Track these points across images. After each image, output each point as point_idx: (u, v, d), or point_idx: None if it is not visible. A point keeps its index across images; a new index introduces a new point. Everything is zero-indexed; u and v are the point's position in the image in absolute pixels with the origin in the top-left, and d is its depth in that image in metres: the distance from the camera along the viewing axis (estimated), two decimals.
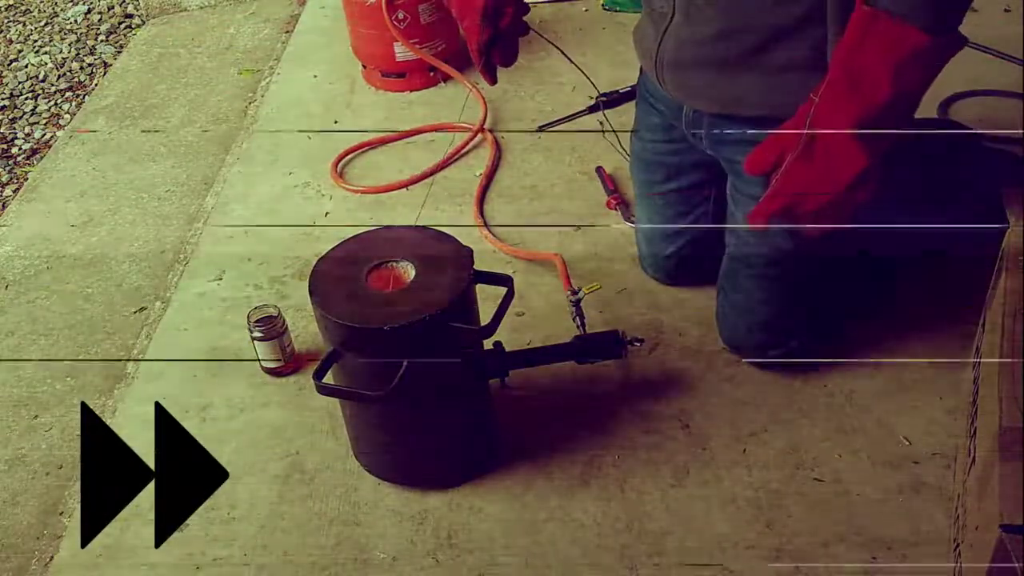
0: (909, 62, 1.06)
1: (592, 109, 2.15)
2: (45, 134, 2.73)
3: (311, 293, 1.26)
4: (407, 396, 1.23)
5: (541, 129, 2.15)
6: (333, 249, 1.34)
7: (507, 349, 1.47)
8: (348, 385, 1.30)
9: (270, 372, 1.61)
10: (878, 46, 1.07)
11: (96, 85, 2.87)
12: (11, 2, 3.49)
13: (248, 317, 1.59)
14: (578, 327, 1.52)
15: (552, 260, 1.73)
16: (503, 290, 1.31)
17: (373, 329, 1.20)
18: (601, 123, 2.01)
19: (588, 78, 1.91)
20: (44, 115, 2.83)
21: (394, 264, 1.29)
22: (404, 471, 1.40)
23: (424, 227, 1.34)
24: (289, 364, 1.60)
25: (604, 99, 2.19)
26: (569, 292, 1.57)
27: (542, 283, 1.73)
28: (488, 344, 1.40)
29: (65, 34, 3.25)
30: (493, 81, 1.44)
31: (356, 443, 1.42)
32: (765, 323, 1.48)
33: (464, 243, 1.32)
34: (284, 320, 1.59)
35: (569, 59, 1.68)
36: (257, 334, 1.57)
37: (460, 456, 1.41)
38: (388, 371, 1.21)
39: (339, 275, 1.29)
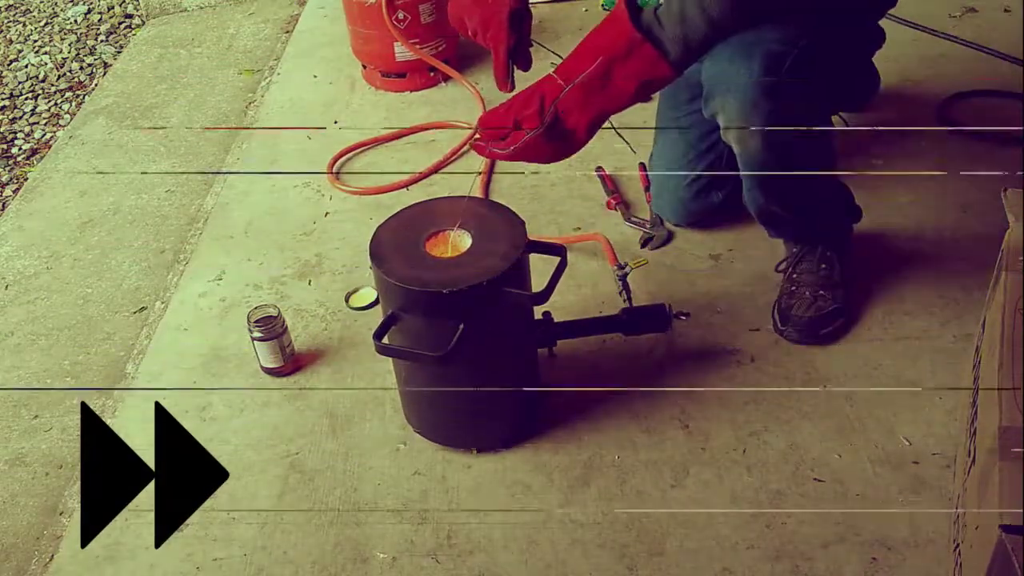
0: (652, 84, 1.27)
1: None
2: (45, 134, 2.73)
3: (372, 257, 1.30)
4: (463, 358, 1.26)
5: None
6: (392, 217, 1.39)
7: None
8: (406, 347, 1.33)
9: (270, 372, 1.61)
10: (636, 66, 1.26)
11: (96, 85, 2.87)
12: (11, 2, 3.50)
13: (248, 317, 1.59)
14: (624, 300, 1.58)
15: (595, 240, 1.78)
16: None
17: (432, 292, 1.24)
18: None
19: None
20: (44, 115, 2.83)
21: (452, 232, 1.34)
22: (455, 432, 1.44)
23: (480, 198, 1.39)
24: (289, 364, 1.60)
25: None
26: (616, 268, 1.64)
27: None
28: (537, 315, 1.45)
29: (65, 34, 3.25)
30: (512, 87, 1.47)
31: (408, 405, 1.46)
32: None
33: None
34: (284, 320, 1.59)
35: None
36: (257, 334, 1.57)
37: (508, 419, 1.44)
38: (445, 334, 1.25)
39: (399, 241, 1.34)
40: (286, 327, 1.59)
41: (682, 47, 1.25)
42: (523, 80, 1.43)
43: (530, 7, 1.44)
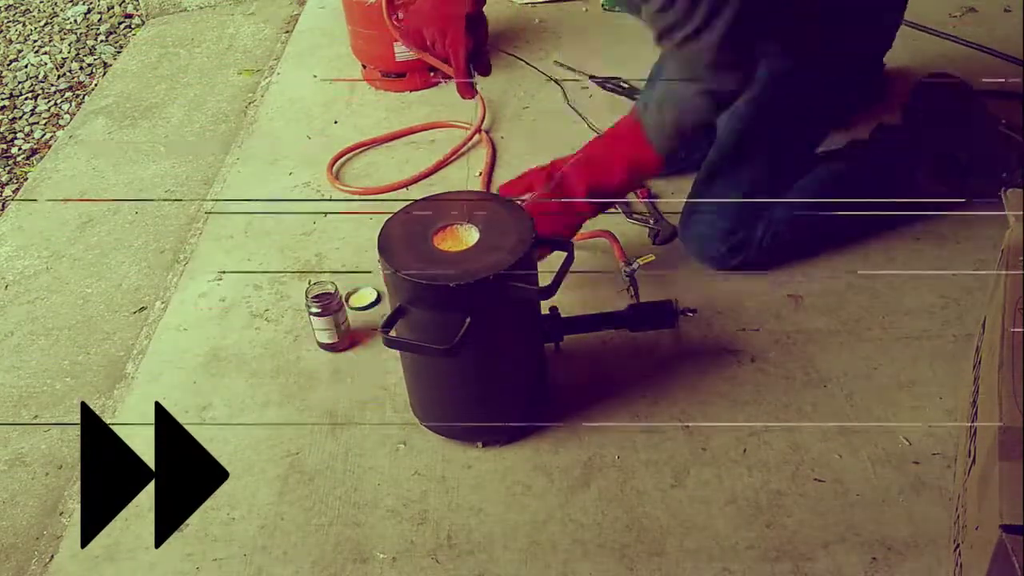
0: (638, 168, 1.54)
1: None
2: (45, 134, 2.73)
3: (380, 251, 1.30)
4: (469, 351, 1.27)
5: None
6: (401, 211, 1.40)
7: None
8: (413, 340, 1.34)
9: (326, 347, 1.63)
10: (625, 149, 1.52)
11: (96, 85, 2.87)
12: (11, 2, 3.50)
13: (306, 293, 1.61)
14: (631, 296, 1.59)
15: (601, 237, 1.78)
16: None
17: (439, 286, 1.25)
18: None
19: (572, 69, 1.92)
20: (44, 115, 2.83)
21: (459, 226, 1.35)
22: (460, 425, 1.45)
23: (488, 193, 1.40)
24: (345, 340, 1.63)
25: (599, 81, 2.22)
26: (624, 264, 1.65)
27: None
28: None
29: (65, 34, 3.25)
30: (473, 94, 1.52)
31: (414, 397, 1.47)
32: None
33: None
34: (341, 297, 1.61)
35: (534, 66, 1.73)
36: (314, 309, 1.59)
37: (514, 413, 1.45)
38: (451, 327, 1.25)
39: (407, 235, 1.35)
40: (342, 304, 1.61)
41: (668, 148, 1.52)
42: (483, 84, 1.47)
43: (484, 13, 1.48)
